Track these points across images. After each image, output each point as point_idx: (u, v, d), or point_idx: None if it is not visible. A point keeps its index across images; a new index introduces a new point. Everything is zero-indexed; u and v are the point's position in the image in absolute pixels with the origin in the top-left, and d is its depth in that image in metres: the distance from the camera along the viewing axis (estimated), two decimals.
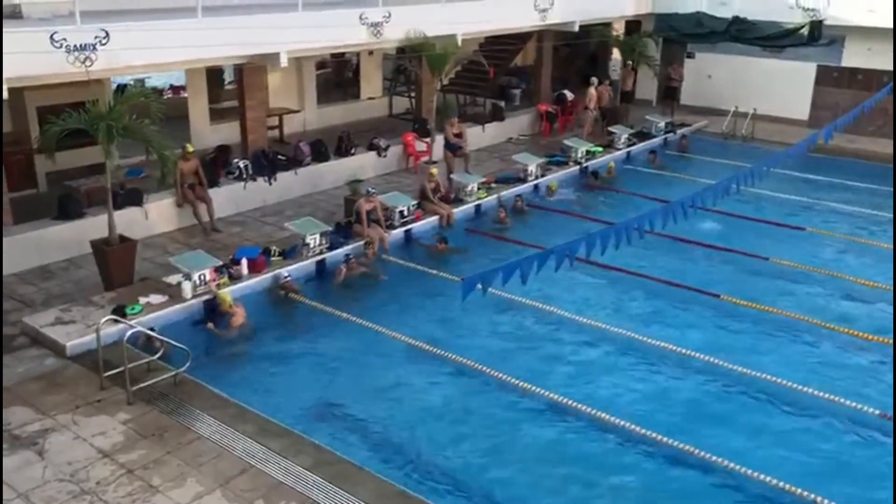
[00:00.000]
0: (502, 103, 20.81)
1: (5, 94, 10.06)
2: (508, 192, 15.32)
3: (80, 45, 10.54)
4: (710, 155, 19.15)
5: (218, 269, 10.84)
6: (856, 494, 7.42)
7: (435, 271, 12.04)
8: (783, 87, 21.53)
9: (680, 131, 20.58)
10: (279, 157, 15.16)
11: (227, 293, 10.36)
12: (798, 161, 16.49)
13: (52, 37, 10.29)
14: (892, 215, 14.49)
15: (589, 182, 16.84)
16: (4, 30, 9.92)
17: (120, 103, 10.44)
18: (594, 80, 20.16)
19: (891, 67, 18.86)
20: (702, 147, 19.99)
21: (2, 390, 8.41)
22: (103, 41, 10.73)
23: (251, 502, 6.92)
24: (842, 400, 8.82)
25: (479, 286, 7.61)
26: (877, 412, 8.62)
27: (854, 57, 20.59)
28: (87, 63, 10.66)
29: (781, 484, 7.43)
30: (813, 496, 7.28)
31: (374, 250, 12.36)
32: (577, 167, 17.30)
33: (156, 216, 13.02)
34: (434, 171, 14.29)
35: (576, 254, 8.04)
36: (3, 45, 9.68)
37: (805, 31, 19.82)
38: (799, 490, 7.35)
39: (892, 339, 10.14)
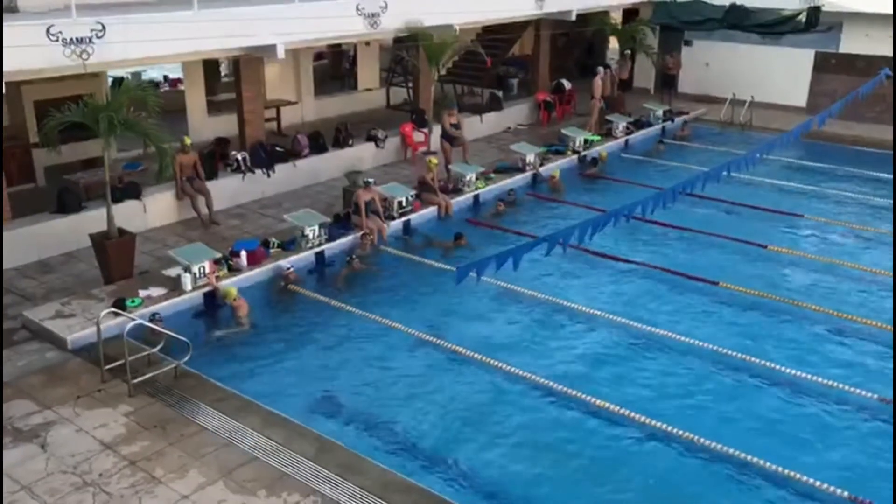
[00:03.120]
0: (500, 93, 20.74)
1: (2, 89, 10.04)
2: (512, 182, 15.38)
3: (77, 39, 10.50)
4: (708, 143, 19.17)
5: (217, 262, 10.86)
6: (855, 478, 7.45)
7: (433, 262, 12.05)
8: (781, 75, 21.50)
9: (680, 119, 20.56)
10: (277, 149, 15.15)
11: (232, 287, 10.39)
12: (796, 148, 16.54)
13: (48, 30, 10.25)
14: (891, 201, 14.51)
15: (587, 170, 16.83)
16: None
17: (118, 96, 10.44)
18: (600, 69, 20.10)
19: (889, 53, 18.85)
20: (700, 135, 20.00)
21: (1, 386, 8.43)
22: (99, 34, 10.69)
23: (254, 493, 6.96)
24: (842, 385, 8.85)
25: (473, 274, 7.72)
26: (876, 397, 8.66)
27: (852, 43, 20.56)
28: (84, 56, 10.62)
29: (785, 471, 7.48)
30: (812, 481, 7.33)
31: (374, 241, 12.38)
32: (576, 155, 17.29)
33: (154, 209, 13.03)
34: (434, 161, 14.29)
35: (568, 241, 8.11)
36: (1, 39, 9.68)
37: (802, 17, 19.78)
38: (799, 475, 7.40)
39: (888, 324, 10.17)
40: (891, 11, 18.74)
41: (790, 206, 14.90)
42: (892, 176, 15.33)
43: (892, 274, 11.54)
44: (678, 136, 19.79)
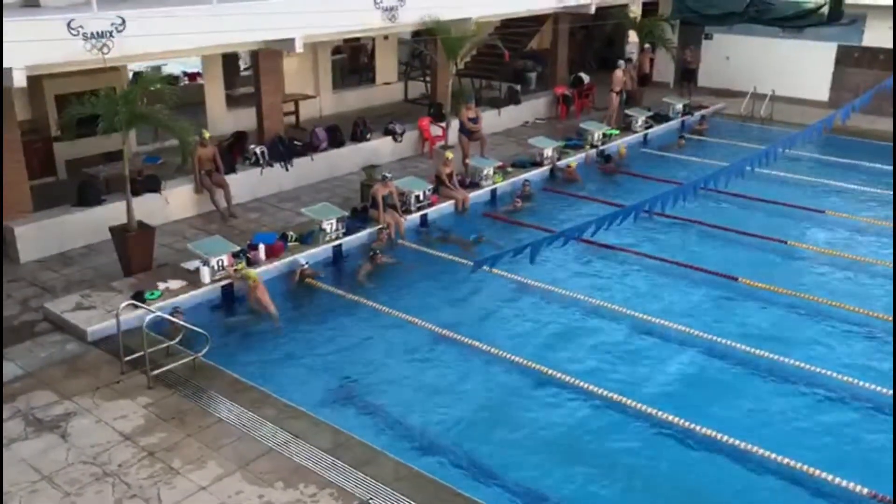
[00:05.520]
0: (518, 87, 20.69)
1: (24, 83, 10.13)
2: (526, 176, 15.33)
3: (97, 33, 10.58)
4: (728, 137, 19.01)
5: (235, 255, 10.91)
6: (869, 473, 7.38)
7: (450, 255, 12.05)
8: (802, 68, 21.26)
9: (698, 113, 20.42)
10: (295, 142, 15.19)
11: (251, 270, 10.44)
12: (818, 143, 16.36)
13: (69, 24, 10.33)
14: None
15: (601, 165, 16.72)
16: (22, 18, 10.01)
17: (134, 88, 10.50)
18: (621, 62, 19.98)
19: None
20: (720, 129, 19.83)
21: (1, 379, 8.53)
22: (119, 28, 10.77)
23: (271, 484, 7.00)
24: (862, 383, 8.77)
25: (487, 266, 7.76)
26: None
27: (875, 36, 20.28)
28: (104, 50, 10.70)
29: (799, 465, 7.44)
30: (827, 476, 7.28)
31: (391, 235, 12.39)
32: (593, 150, 17.19)
33: (174, 202, 13.10)
34: (450, 155, 14.26)
35: (585, 236, 8.09)
36: (22, 33, 9.76)
37: (825, 10, 19.51)
38: (815, 470, 7.35)
39: None
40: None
41: (811, 201, 14.74)
42: None
43: None
44: (695, 131, 19.62)
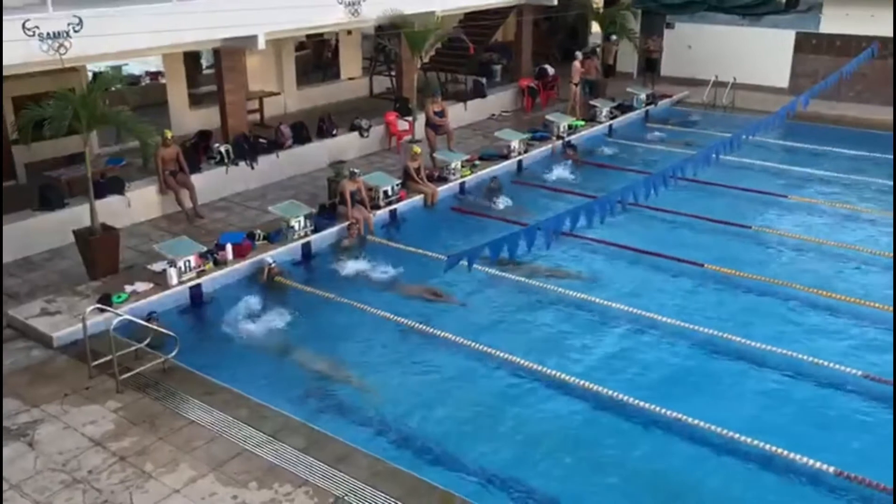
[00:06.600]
0: (483, 80, 20.68)
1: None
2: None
3: (53, 33, 10.40)
4: (691, 126, 19.21)
5: (203, 255, 10.81)
6: (839, 454, 7.51)
7: (420, 250, 12.05)
8: (763, 56, 21.55)
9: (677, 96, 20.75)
10: (260, 140, 15.05)
11: None
12: (779, 129, 16.62)
13: (24, 25, 10.14)
14: (872, 179, 14.59)
15: (564, 154, 16.80)
16: None
17: (91, 90, 10.33)
18: (578, 53, 20.10)
19: (868, 33, 18.95)
20: (687, 118, 20.07)
21: (1, 382, 8.40)
22: (76, 28, 10.60)
23: (245, 485, 6.96)
24: (827, 363, 8.93)
25: (464, 262, 7.75)
26: (860, 373, 8.73)
27: (832, 23, 20.63)
28: (61, 51, 10.52)
29: (769, 447, 7.56)
30: (798, 457, 7.41)
31: (360, 231, 12.36)
32: (560, 140, 17.31)
33: (138, 204, 12.91)
34: (417, 149, 14.25)
35: (561, 229, 8.12)
36: None
37: None
38: (785, 452, 7.48)
39: (871, 301, 10.29)
40: None
41: (773, 186, 14.97)
42: (872, 154, 15.42)
43: (873, 251, 11.63)
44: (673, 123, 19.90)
